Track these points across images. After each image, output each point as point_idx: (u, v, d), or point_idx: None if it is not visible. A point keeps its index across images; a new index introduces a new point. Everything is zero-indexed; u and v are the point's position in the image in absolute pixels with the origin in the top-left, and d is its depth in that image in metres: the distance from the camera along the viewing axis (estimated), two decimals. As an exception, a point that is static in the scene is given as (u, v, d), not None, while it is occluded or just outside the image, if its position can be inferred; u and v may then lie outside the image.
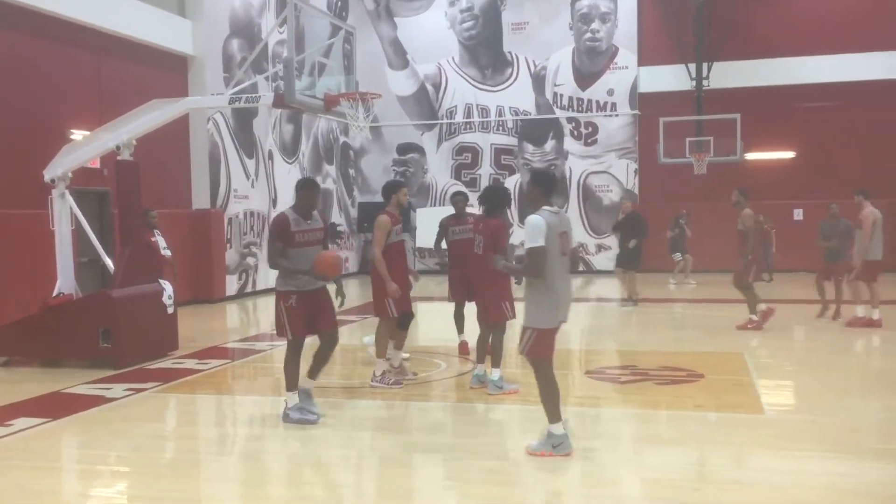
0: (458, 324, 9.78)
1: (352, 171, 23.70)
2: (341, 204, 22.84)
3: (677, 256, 19.42)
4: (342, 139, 22.92)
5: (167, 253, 11.27)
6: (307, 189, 6.88)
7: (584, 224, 22.41)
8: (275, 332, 7.14)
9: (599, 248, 22.42)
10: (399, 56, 23.57)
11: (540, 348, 5.84)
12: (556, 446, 5.79)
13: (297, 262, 6.70)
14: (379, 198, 22.45)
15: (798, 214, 21.00)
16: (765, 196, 20.42)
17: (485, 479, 5.54)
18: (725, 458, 5.93)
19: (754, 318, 11.67)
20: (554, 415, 5.83)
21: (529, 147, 22.81)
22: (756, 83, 20.98)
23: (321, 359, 7.02)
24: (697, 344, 10.96)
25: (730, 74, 21.09)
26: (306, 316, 6.82)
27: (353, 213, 23.47)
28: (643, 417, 7.19)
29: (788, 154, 21.30)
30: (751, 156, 20.68)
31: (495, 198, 8.18)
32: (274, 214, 18.74)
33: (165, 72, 15.66)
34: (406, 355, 9.17)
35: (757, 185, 20.77)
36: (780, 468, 5.57)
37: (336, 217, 22.40)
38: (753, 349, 10.16)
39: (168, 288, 10.47)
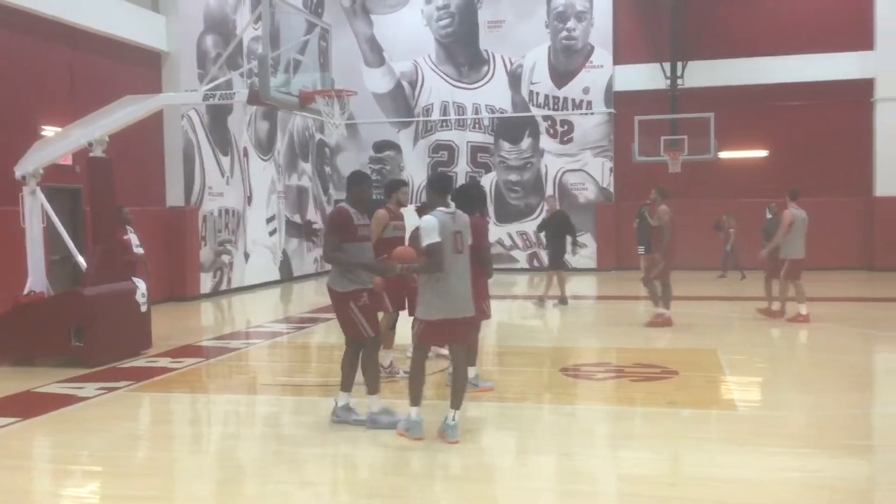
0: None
1: (327, 169, 23.62)
2: (317, 202, 22.76)
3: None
4: (318, 136, 22.84)
5: (140, 251, 11.16)
6: (362, 182, 6.75)
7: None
8: (345, 331, 6.76)
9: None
10: (375, 53, 23.52)
11: (429, 337, 6.29)
12: (408, 429, 6.22)
13: (355, 257, 6.54)
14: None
15: (771, 213, 21.19)
16: (738, 194, 20.68)
17: (463, 476, 5.56)
18: (699, 454, 5.98)
19: (665, 312, 11.88)
20: (414, 399, 6.23)
21: (506, 145, 22.86)
22: (730, 82, 21.17)
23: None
24: (671, 341, 11.04)
25: (704, 74, 21.27)
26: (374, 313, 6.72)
27: (329, 210, 23.41)
28: (619, 414, 7.24)
29: (761, 153, 21.52)
30: (724, 154, 20.87)
31: (470, 195, 8.09)
32: (249, 211, 18.69)
33: (139, 67, 15.51)
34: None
35: (731, 183, 21.11)
36: (752, 464, 5.63)
37: (311, 215, 22.33)
38: (727, 346, 10.25)
39: (141, 286, 10.38)
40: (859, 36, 20.59)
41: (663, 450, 6.09)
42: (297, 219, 21.48)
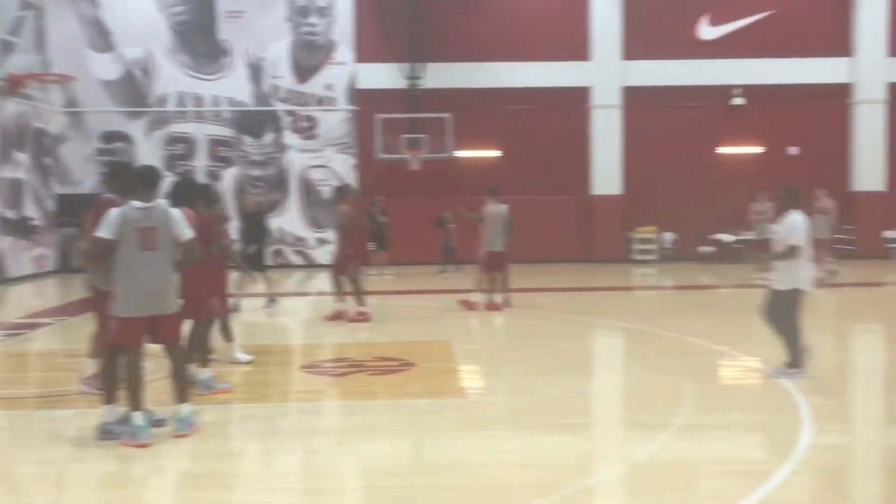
0: None
1: (48, 160, 21.63)
2: (36, 196, 20.76)
3: (372, 246, 19.94)
4: (35, 124, 20.82)
5: None
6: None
7: (303, 218, 22.39)
8: None
9: (320, 241, 22.53)
10: (102, 38, 21.89)
11: (122, 335, 6.11)
12: (133, 435, 5.99)
13: None
14: (82, 189, 20.75)
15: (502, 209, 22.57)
16: (476, 192, 21.78)
17: (196, 485, 5.38)
18: (432, 442, 6.27)
19: (363, 309, 12.33)
20: (134, 403, 6.05)
21: (247, 139, 22.31)
22: (466, 85, 22.21)
23: None
24: (408, 334, 11.42)
25: (442, 76, 22.13)
26: None
27: (51, 205, 21.45)
28: (359, 408, 7.37)
29: (495, 153, 22.84)
30: (461, 153, 21.90)
31: (181, 190, 7.58)
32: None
33: None
34: None
35: (467, 181, 22.17)
36: (479, 448, 6.00)
37: (31, 210, 20.34)
38: (460, 337, 10.79)
39: None
40: (577, 47, 22.49)
41: (400, 441, 6.30)
42: (11, 214, 19.47)
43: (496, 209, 13.32)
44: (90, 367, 7.68)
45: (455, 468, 5.54)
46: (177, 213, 6.20)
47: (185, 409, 6.28)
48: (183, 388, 6.33)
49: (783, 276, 7.97)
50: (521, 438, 6.24)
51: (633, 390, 8.08)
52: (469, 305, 13.14)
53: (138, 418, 6.02)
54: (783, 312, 7.98)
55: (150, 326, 6.13)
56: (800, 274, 7.96)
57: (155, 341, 6.28)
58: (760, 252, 17.28)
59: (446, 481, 5.28)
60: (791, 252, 7.84)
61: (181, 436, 6.16)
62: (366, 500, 5.18)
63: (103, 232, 5.97)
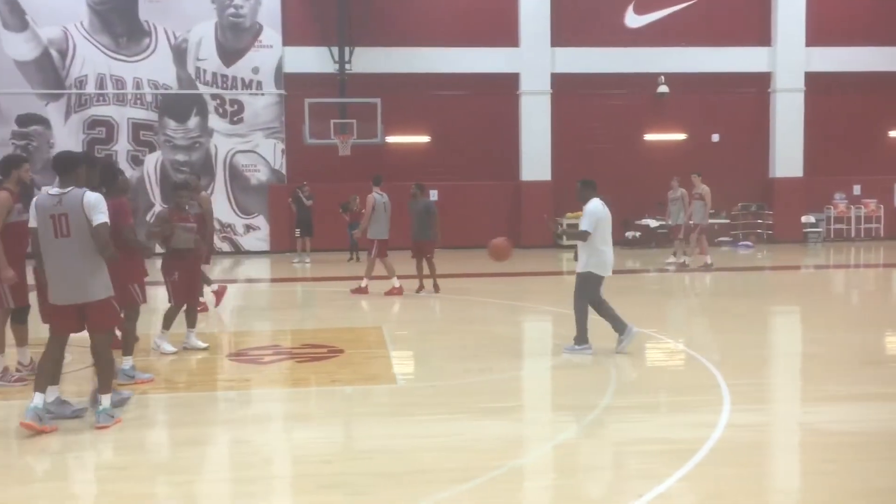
0: None
1: (-40, 144, 20.73)
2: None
3: (297, 233, 19.77)
4: (-54, 106, 19.92)
5: None
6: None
7: (231, 204, 21.98)
8: None
9: (248, 228, 22.17)
10: (16, 16, 21.02)
11: (50, 321, 6.25)
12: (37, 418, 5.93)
13: None
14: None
15: (433, 195, 22.58)
16: (403, 177, 21.71)
17: (119, 477, 5.23)
18: (361, 428, 6.23)
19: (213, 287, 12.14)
20: (36, 385, 6.04)
21: (171, 123, 21.75)
22: (396, 70, 22.09)
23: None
24: (338, 320, 11.33)
25: (370, 60, 21.95)
26: None
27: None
28: (287, 396, 7.28)
29: (424, 138, 22.80)
30: (391, 139, 21.79)
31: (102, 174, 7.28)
32: None
33: None
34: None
35: (397, 166, 22.08)
36: (407, 433, 5.99)
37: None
38: (391, 322, 10.76)
39: None
40: (506, 33, 22.58)
41: (328, 428, 6.24)
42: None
43: (380, 197, 13.48)
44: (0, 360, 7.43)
45: (383, 454, 5.52)
46: (92, 198, 5.96)
47: (106, 400, 6.12)
48: (104, 377, 6.17)
49: (581, 260, 8.70)
50: (449, 423, 6.26)
51: (559, 373, 8.18)
52: (360, 291, 13.33)
53: (38, 400, 5.97)
54: (577, 292, 8.65)
55: (79, 314, 6.02)
56: (591, 259, 8.57)
57: (76, 327, 6.15)
58: (673, 236, 17.84)
59: (374, 467, 5.26)
60: (581, 237, 8.52)
61: (102, 427, 6.01)
62: (293, 487, 5.12)
63: (31, 220, 6.10)
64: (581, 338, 8.62)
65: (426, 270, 13.37)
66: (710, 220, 18.07)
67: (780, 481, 5.29)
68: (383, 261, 13.42)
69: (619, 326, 8.58)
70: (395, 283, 13.33)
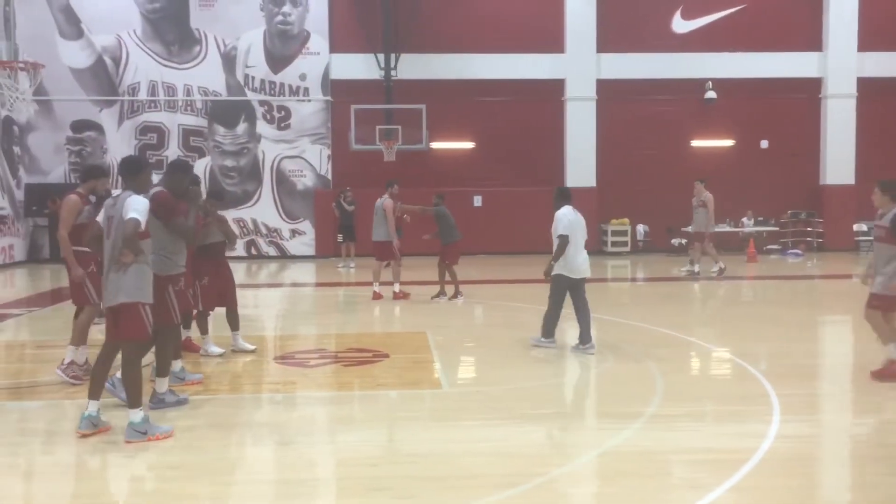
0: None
1: (17, 149, 21.31)
2: (3, 185, 20.47)
3: (340, 238, 19.90)
4: (4, 113, 20.51)
5: None
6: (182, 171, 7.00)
7: (277, 209, 22.27)
8: None
9: (294, 233, 22.44)
10: (72, 25, 21.58)
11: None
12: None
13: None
14: (51, 179, 20.51)
15: (477, 201, 22.64)
16: (448, 183, 21.77)
17: (168, 477, 5.34)
18: (405, 433, 6.27)
19: None
20: (94, 393, 6.11)
21: (221, 129, 22.13)
22: (441, 76, 22.18)
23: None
24: (384, 325, 11.41)
25: (416, 66, 22.08)
26: None
27: (19, 195, 21.14)
28: (332, 400, 7.36)
29: (469, 144, 22.84)
30: (436, 145, 21.88)
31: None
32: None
33: None
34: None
35: (441, 172, 22.18)
36: (452, 438, 6.02)
37: (-1, 199, 20.04)
38: (435, 328, 10.80)
39: None
40: (552, 39, 22.54)
41: (373, 431, 6.30)
42: (-20, 204, 19.19)
43: (385, 200, 13.64)
44: (70, 354, 7.67)
45: (428, 458, 5.55)
46: (132, 199, 5.96)
47: (135, 415, 6.00)
48: (130, 393, 6.06)
49: (558, 263, 9.19)
50: (494, 428, 6.27)
51: (604, 381, 8.14)
52: (399, 296, 13.43)
53: (92, 408, 6.07)
54: (551, 291, 9.31)
55: (114, 318, 6.05)
56: (565, 262, 9.09)
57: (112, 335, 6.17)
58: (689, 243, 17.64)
59: (420, 471, 5.30)
60: (563, 243, 9.00)
61: (130, 442, 5.94)
62: (340, 490, 5.18)
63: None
64: (547, 332, 9.36)
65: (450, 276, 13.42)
66: (717, 229, 17.78)
67: (829, 494, 5.20)
68: (380, 264, 13.61)
69: (550, 331, 9.35)
70: (376, 287, 13.55)
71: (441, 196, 13.97)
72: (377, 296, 13.47)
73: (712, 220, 16.76)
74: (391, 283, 13.63)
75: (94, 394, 6.09)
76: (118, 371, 6.65)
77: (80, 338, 7.74)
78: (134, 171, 6.18)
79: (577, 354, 9.05)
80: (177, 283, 6.86)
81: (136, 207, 5.90)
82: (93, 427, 6.03)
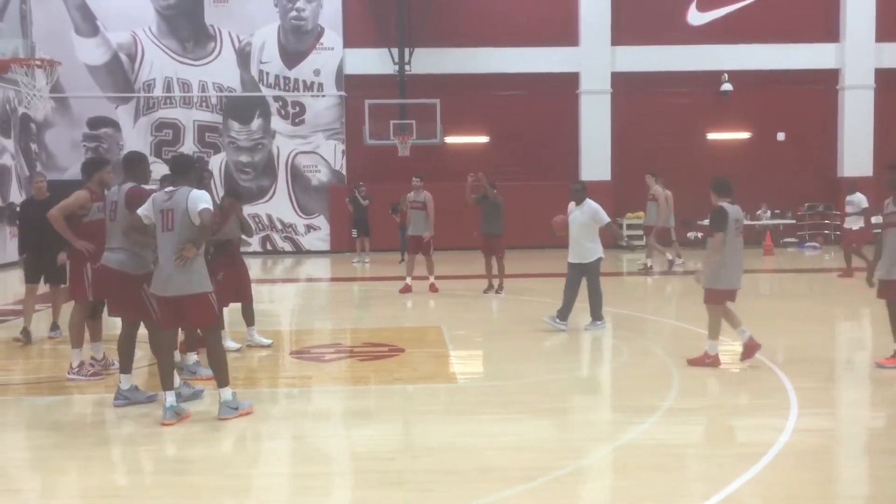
0: None
1: (34, 146, 21.48)
2: (21, 182, 20.63)
3: (355, 233, 19.94)
4: (21, 110, 20.66)
5: None
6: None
7: (292, 204, 22.34)
8: None
9: (309, 228, 22.49)
10: (88, 22, 21.71)
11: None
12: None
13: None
14: (68, 175, 20.63)
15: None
16: (462, 178, 21.70)
17: (184, 470, 5.38)
18: (421, 427, 6.28)
19: None
20: (167, 384, 6.34)
21: (235, 125, 22.20)
22: (455, 70, 22.15)
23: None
24: (399, 319, 11.42)
25: (430, 61, 22.05)
26: None
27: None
28: (349, 394, 7.38)
29: (483, 139, 22.81)
30: (450, 139, 21.87)
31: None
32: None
33: None
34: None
35: (456, 166, 22.12)
36: (469, 432, 6.02)
37: (16, 196, 20.20)
38: (450, 322, 10.80)
39: None
40: (566, 32, 22.45)
41: (389, 425, 6.31)
42: (-2, 201, 19.35)
43: (427, 195, 13.99)
44: (76, 356, 7.70)
45: (446, 452, 5.56)
46: (196, 193, 6.26)
47: (225, 393, 6.40)
48: (219, 373, 6.41)
49: (596, 250, 10.13)
50: (510, 422, 6.27)
51: (620, 374, 8.12)
52: (407, 289, 13.51)
53: (171, 398, 6.31)
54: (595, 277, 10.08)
55: (176, 308, 6.25)
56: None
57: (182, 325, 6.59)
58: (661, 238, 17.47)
59: (437, 465, 5.30)
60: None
61: (224, 419, 6.31)
62: (357, 483, 5.19)
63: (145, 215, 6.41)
64: (562, 314, 9.99)
65: (495, 269, 13.43)
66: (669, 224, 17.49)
67: (846, 487, 5.17)
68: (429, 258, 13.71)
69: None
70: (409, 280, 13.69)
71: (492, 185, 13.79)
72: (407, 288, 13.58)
73: (664, 214, 16.57)
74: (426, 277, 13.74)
75: (168, 385, 6.30)
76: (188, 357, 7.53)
77: (78, 338, 7.73)
78: (184, 170, 6.43)
79: (592, 349, 9.02)
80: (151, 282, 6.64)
81: (206, 199, 6.26)
82: (176, 416, 6.27)
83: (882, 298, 7.94)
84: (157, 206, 6.27)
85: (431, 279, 13.68)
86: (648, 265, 16.62)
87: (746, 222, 21.43)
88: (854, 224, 15.00)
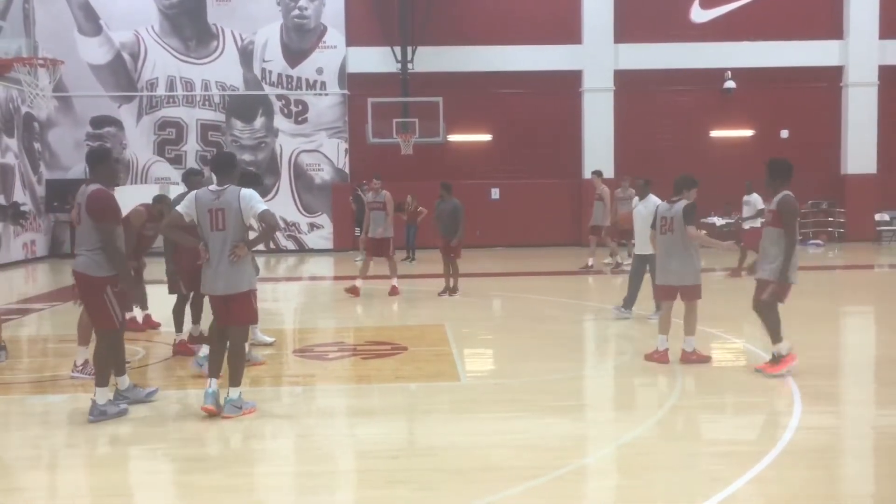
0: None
1: (37, 146, 21.51)
2: (25, 181, 20.65)
3: (358, 232, 19.91)
4: (24, 109, 20.68)
5: None
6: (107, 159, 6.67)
7: (295, 203, 22.35)
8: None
9: (312, 226, 22.51)
10: (91, 21, 21.72)
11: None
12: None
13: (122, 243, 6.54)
14: (72, 174, 20.65)
15: (495, 193, 22.61)
16: (465, 176, 21.75)
17: (187, 469, 5.38)
18: (425, 425, 6.28)
19: None
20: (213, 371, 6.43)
21: (238, 124, 22.22)
22: (458, 69, 22.15)
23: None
24: (402, 318, 11.42)
25: (433, 59, 22.05)
26: None
27: (40, 191, 21.35)
28: (352, 392, 7.38)
29: (486, 137, 22.80)
30: (453, 138, 21.86)
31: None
32: None
33: None
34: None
35: (459, 165, 22.14)
36: (472, 430, 6.02)
37: (20, 195, 20.23)
38: (454, 320, 10.80)
39: None
40: (569, 30, 22.43)
41: (393, 424, 6.31)
42: (0, 200, 19.37)
43: (386, 194, 13.64)
44: (80, 354, 7.71)
45: (449, 450, 5.56)
46: (248, 193, 6.25)
47: (234, 392, 6.41)
48: (235, 371, 6.43)
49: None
50: (513, 421, 6.26)
51: (624, 373, 8.10)
52: (354, 291, 13.07)
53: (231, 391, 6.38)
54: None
55: (225, 305, 6.31)
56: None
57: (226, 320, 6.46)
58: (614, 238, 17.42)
59: (440, 463, 5.30)
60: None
61: (227, 417, 6.31)
62: (361, 481, 5.20)
63: (178, 208, 6.44)
64: (627, 303, 10.68)
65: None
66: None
67: (851, 485, 5.16)
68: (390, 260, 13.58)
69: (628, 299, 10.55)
70: (395, 281, 13.41)
71: (447, 186, 13.41)
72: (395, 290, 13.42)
73: (608, 213, 16.54)
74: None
75: (215, 371, 6.41)
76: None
77: (86, 337, 7.75)
78: (228, 168, 6.41)
79: (596, 347, 9.00)
80: (115, 285, 6.34)
81: (259, 198, 6.27)
82: (217, 405, 6.34)
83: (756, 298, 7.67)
84: (202, 205, 6.23)
85: (394, 281, 13.42)
86: (619, 262, 16.50)
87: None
88: (750, 224, 14.87)
